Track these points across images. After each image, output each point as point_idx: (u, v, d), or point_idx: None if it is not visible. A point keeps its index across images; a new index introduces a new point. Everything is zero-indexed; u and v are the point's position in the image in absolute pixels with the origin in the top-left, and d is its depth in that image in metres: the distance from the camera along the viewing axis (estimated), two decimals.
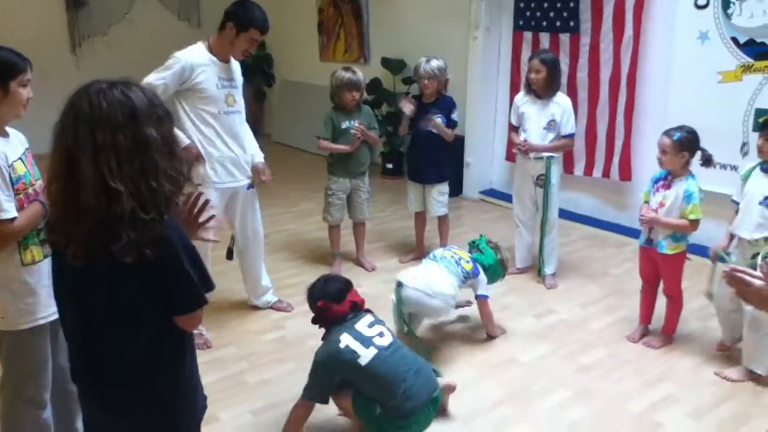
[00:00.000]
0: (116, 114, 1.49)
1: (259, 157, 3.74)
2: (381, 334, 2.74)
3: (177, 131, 3.36)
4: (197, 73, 3.35)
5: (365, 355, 2.65)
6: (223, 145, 3.51)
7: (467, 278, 3.52)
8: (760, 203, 3.12)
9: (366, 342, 2.68)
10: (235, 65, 3.56)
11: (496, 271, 3.72)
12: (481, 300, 3.62)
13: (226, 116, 3.49)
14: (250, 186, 3.72)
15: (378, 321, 2.83)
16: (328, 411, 2.91)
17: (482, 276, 3.59)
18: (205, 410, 1.90)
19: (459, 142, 5.41)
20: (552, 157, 4.28)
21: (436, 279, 3.39)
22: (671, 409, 3.09)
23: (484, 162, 6.44)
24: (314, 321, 2.85)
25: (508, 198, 4.78)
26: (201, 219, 1.85)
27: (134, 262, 1.50)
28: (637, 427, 2.96)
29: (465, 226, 5.58)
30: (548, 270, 4.44)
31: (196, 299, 1.64)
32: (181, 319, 1.66)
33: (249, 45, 3.41)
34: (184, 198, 1.77)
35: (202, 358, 3.43)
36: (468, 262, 3.55)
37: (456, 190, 6.20)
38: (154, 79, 3.27)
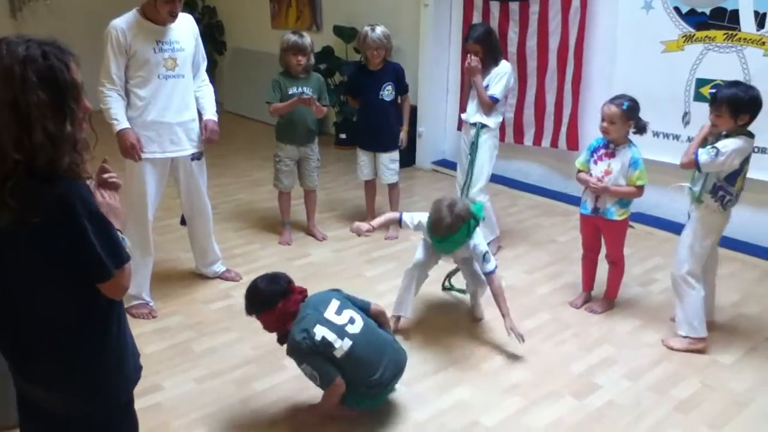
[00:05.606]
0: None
1: (210, 115, 3.62)
2: (352, 320, 2.68)
3: (116, 114, 3.29)
4: (131, 37, 3.28)
5: (341, 347, 2.60)
6: (155, 112, 3.40)
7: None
8: None
9: (340, 333, 2.62)
10: (179, 28, 3.44)
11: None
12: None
13: (165, 81, 3.39)
14: (195, 157, 3.63)
15: (344, 304, 2.74)
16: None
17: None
18: (137, 380, 1.86)
19: (412, 111, 5.36)
20: (483, 125, 4.24)
21: None
22: (609, 370, 3.18)
23: (437, 131, 6.44)
24: (280, 338, 2.73)
25: None
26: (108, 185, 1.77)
27: (39, 224, 1.48)
28: (576, 387, 3.04)
29: (416, 196, 5.60)
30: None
31: (100, 269, 1.57)
32: (102, 287, 1.62)
33: (168, 6, 3.28)
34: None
35: (147, 327, 3.47)
36: None
37: (409, 160, 6.20)
38: (106, 63, 3.28)
